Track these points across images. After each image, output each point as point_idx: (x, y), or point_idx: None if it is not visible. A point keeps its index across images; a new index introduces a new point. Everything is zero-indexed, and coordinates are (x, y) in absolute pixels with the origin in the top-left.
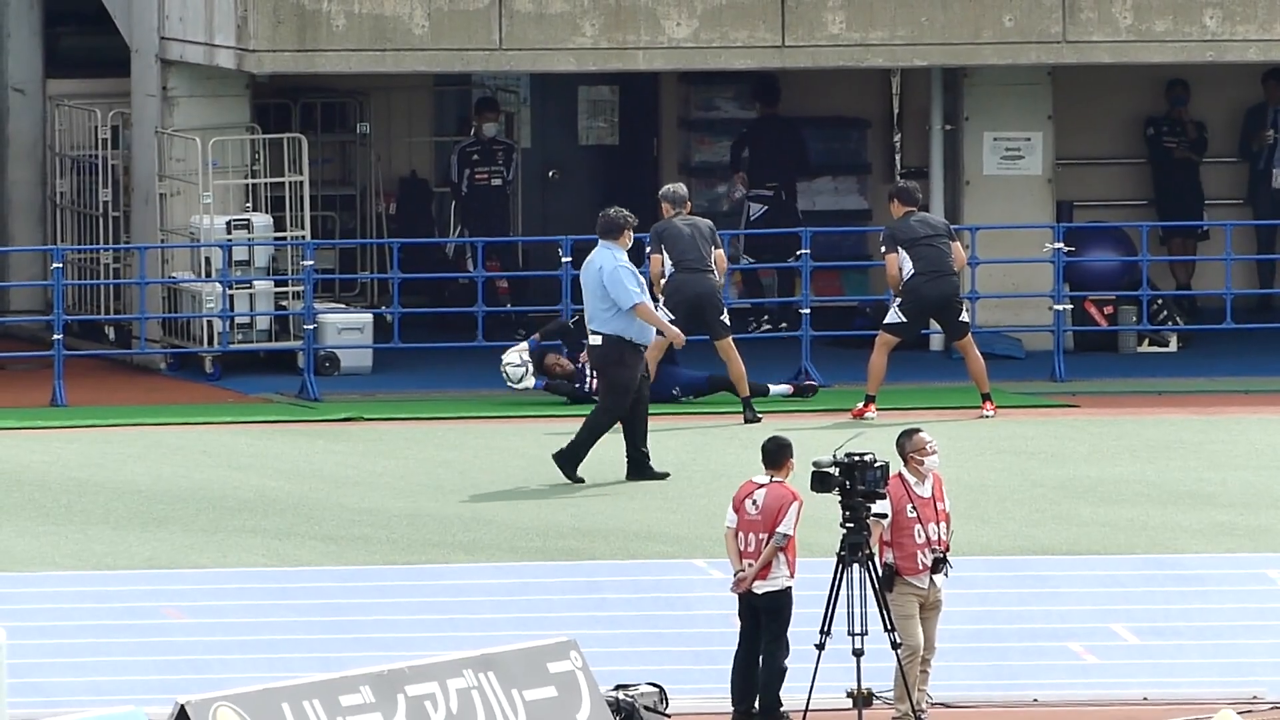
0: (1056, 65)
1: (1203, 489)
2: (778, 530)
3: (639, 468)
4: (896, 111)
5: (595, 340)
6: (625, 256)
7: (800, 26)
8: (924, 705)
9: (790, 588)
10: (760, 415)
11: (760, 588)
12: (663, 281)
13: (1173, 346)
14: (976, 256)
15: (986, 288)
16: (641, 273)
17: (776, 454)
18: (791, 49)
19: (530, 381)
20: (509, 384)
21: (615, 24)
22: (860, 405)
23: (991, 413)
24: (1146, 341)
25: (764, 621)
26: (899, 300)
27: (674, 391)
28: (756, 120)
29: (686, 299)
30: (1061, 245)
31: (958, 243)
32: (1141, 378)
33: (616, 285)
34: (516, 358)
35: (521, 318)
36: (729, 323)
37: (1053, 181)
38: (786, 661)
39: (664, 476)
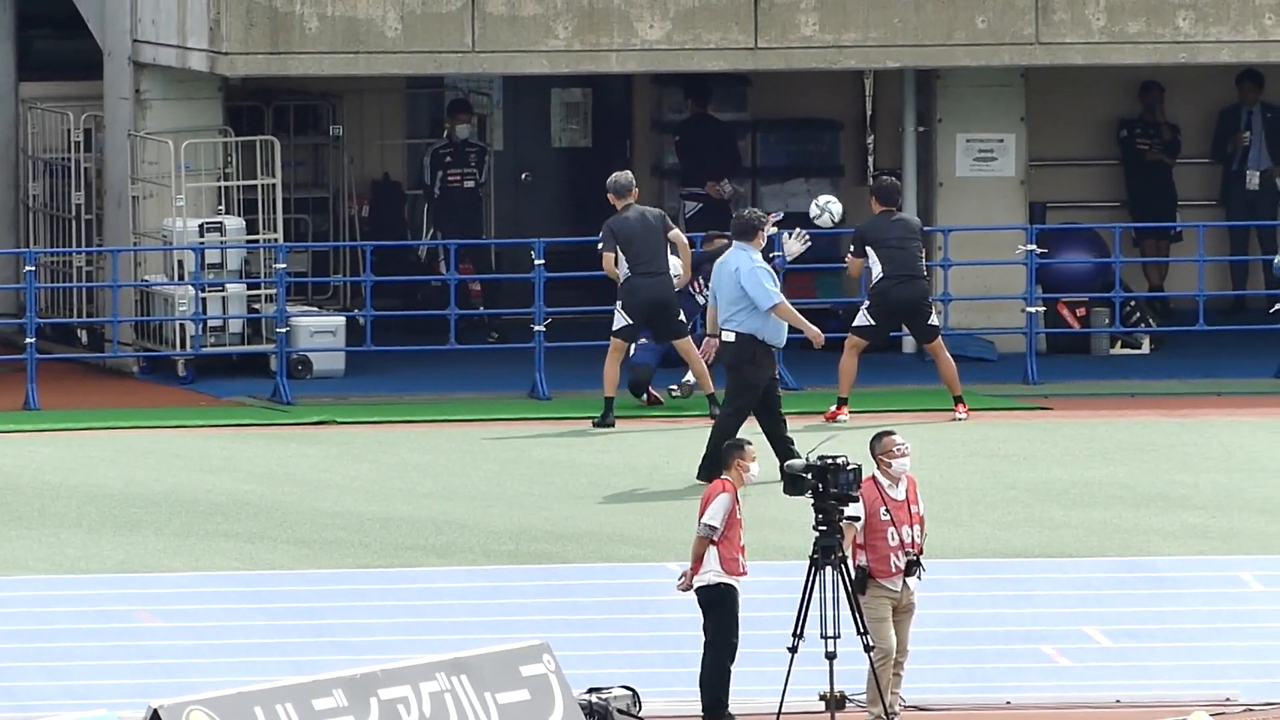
0: (1029, 67)
1: (1175, 491)
2: (701, 521)
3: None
4: (869, 113)
5: (729, 337)
6: (760, 257)
7: (773, 28)
8: (896, 708)
9: (724, 584)
10: None
11: (695, 582)
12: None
13: (1145, 348)
14: (949, 258)
15: (959, 290)
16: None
17: (724, 454)
18: (764, 51)
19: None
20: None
21: (588, 26)
22: (833, 408)
23: (964, 415)
24: (1119, 343)
25: (704, 619)
26: (867, 303)
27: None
28: (687, 119)
29: (643, 304)
30: (1034, 247)
31: (923, 249)
32: (1114, 380)
33: (755, 285)
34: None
35: (494, 320)
36: (685, 320)
37: (1025, 183)
38: (732, 665)
39: None
